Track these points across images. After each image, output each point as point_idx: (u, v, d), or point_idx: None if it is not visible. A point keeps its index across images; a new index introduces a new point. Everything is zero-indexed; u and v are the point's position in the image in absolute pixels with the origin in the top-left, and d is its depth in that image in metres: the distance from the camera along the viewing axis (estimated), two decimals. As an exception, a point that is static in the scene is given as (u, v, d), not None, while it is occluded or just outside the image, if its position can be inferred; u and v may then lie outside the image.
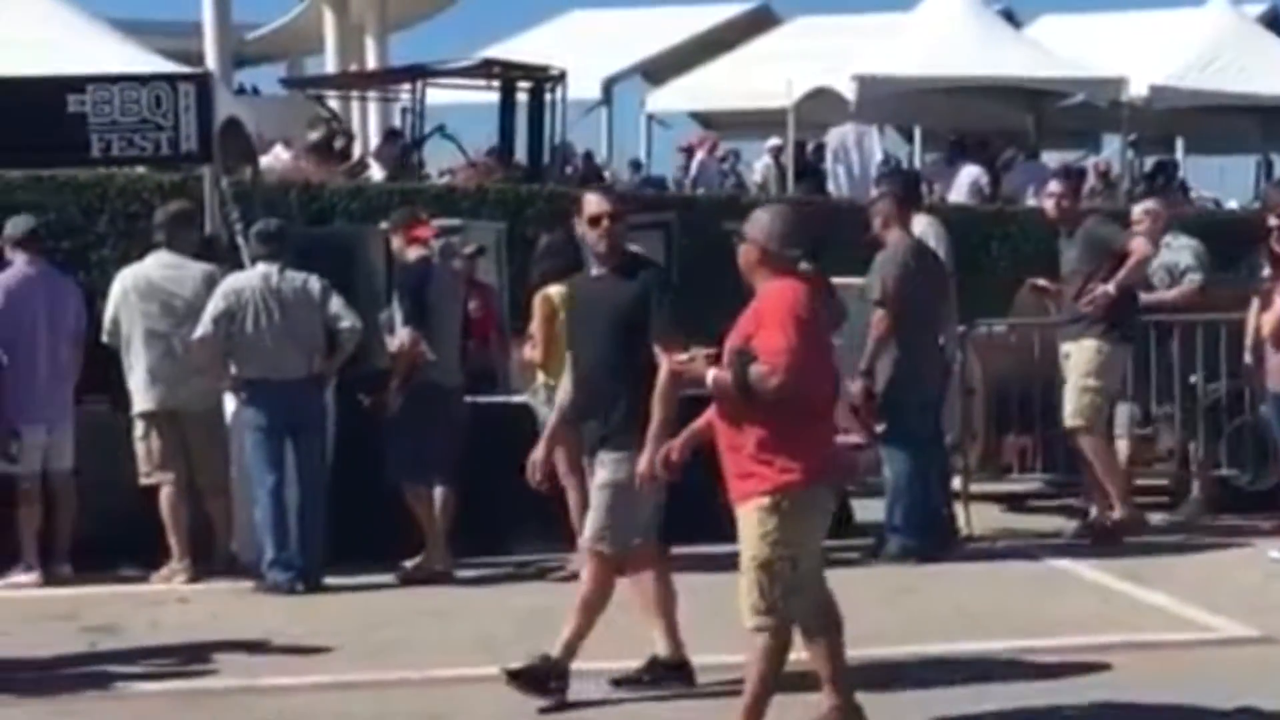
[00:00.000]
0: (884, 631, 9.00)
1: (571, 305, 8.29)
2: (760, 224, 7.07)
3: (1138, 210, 12.68)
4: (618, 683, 7.80)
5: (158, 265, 10.88)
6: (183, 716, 7.87)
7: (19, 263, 10.82)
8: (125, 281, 10.87)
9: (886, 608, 9.65)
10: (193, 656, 8.76)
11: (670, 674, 7.84)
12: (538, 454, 8.05)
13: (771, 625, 6.91)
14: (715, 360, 6.99)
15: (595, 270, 7.96)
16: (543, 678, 7.62)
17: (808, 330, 6.86)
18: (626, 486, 7.60)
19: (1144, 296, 12.16)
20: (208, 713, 7.91)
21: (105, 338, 10.86)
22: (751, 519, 6.87)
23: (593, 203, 7.84)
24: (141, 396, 10.76)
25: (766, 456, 6.86)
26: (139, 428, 10.76)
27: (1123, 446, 11.95)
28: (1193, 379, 12.17)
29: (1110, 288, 11.26)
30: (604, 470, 7.69)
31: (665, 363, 7.41)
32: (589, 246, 7.97)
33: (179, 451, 10.72)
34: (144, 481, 10.72)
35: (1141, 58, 23.34)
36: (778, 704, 7.07)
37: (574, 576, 7.61)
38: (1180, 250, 12.47)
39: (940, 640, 8.84)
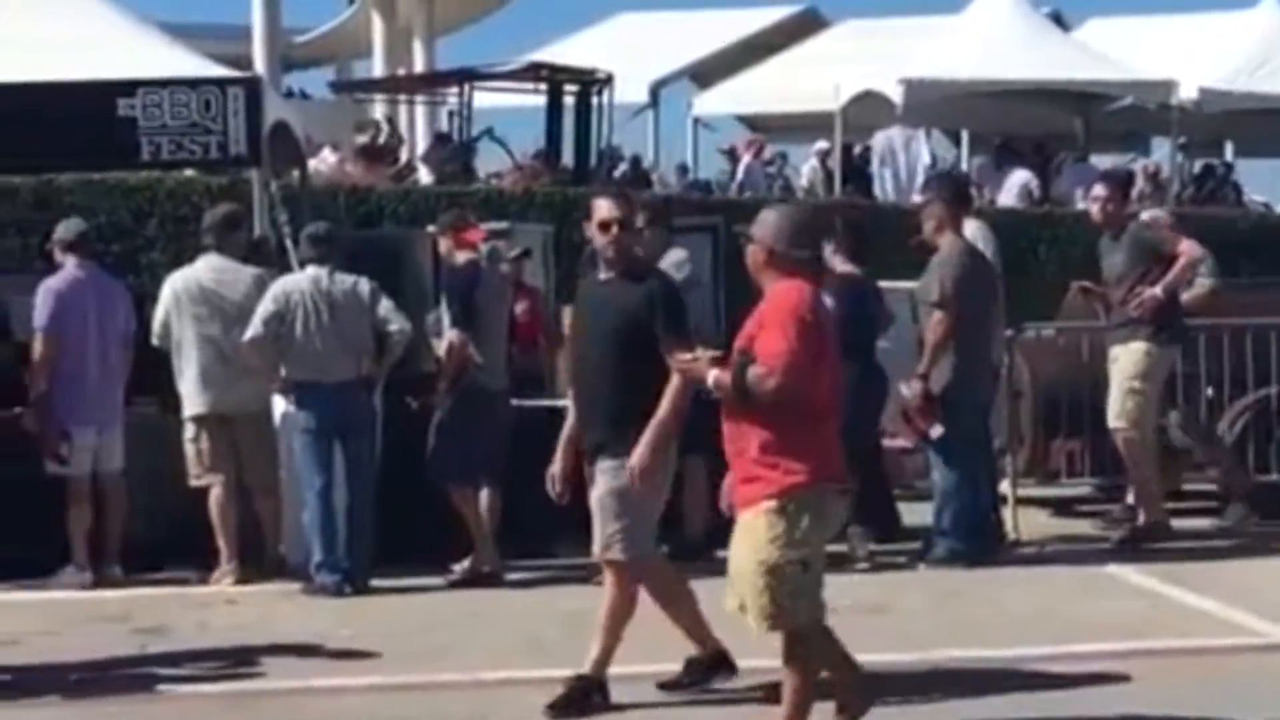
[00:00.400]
0: (931, 635, 9.00)
1: (577, 309, 8.29)
2: (767, 225, 7.04)
3: (1144, 217, 12.70)
4: (664, 686, 7.80)
5: (208, 269, 10.93)
6: (231, 718, 7.90)
7: (69, 266, 10.88)
8: (176, 285, 10.93)
9: (934, 612, 9.65)
10: (241, 658, 8.79)
11: (710, 671, 7.82)
12: (555, 467, 7.99)
13: (790, 627, 6.89)
14: (720, 362, 6.99)
15: (603, 274, 7.95)
16: (582, 698, 7.63)
17: (809, 332, 6.84)
18: (629, 492, 7.59)
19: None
20: (255, 715, 7.95)
21: (155, 341, 10.91)
22: (759, 523, 6.84)
23: (602, 208, 7.81)
24: (192, 400, 10.81)
25: (771, 459, 6.84)
26: (189, 430, 10.82)
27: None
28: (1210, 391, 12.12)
29: (1159, 290, 11.22)
30: (605, 478, 7.65)
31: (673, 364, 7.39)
32: (598, 251, 7.96)
33: (229, 454, 10.77)
34: (194, 483, 10.78)
35: (1191, 60, 23.23)
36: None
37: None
38: None
39: (986, 644, 8.81)
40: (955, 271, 10.88)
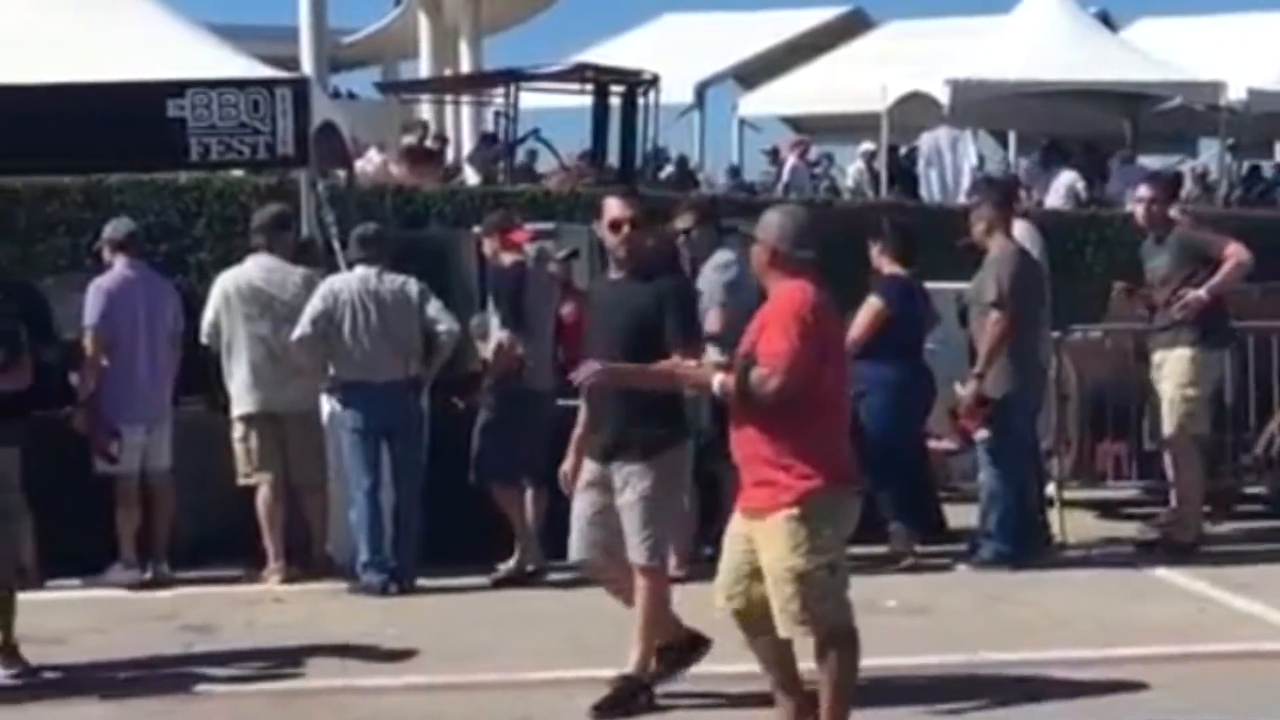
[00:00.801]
0: (978, 637, 8.98)
1: (589, 309, 8.27)
2: (771, 226, 7.04)
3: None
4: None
5: (258, 268, 10.98)
6: (277, 716, 7.93)
7: (118, 265, 10.93)
8: (226, 285, 10.97)
9: (979, 614, 9.63)
10: (287, 657, 8.83)
11: (691, 652, 7.81)
12: (568, 465, 8.00)
13: (823, 631, 6.88)
14: (726, 367, 6.99)
15: (613, 274, 7.94)
16: (628, 699, 7.64)
17: (811, 332, 6.81)
18: (658, 497, 7.59)
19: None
20: (301, 712, 7.97)
21: (205, 340, 10.96)
22: (781, 530, 6.83)
23: (613, 207, 7.81)
24: (242, 399, 10.85)
25: (783, 463, 6.84)
26: (238, 429, 10.86)
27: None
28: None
29: (1203, 293, 11.15)
30: (632, 484, 7.61)
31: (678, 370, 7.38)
32: (609, 250, 7.94)
33: (277, 453, 10.81)
34: (242, 482, 10.82)
35: (1240, 61, 23.13)
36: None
37: (674, 580, 7.62)
38: None
39: (1033, 647, 8.79)
40: (1011, 272, 10.84)
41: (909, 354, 11.11)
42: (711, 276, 10.62)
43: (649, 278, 7.76)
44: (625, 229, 7.73)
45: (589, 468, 7.79)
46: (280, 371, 10.73)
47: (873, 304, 11.06)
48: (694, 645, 7.83)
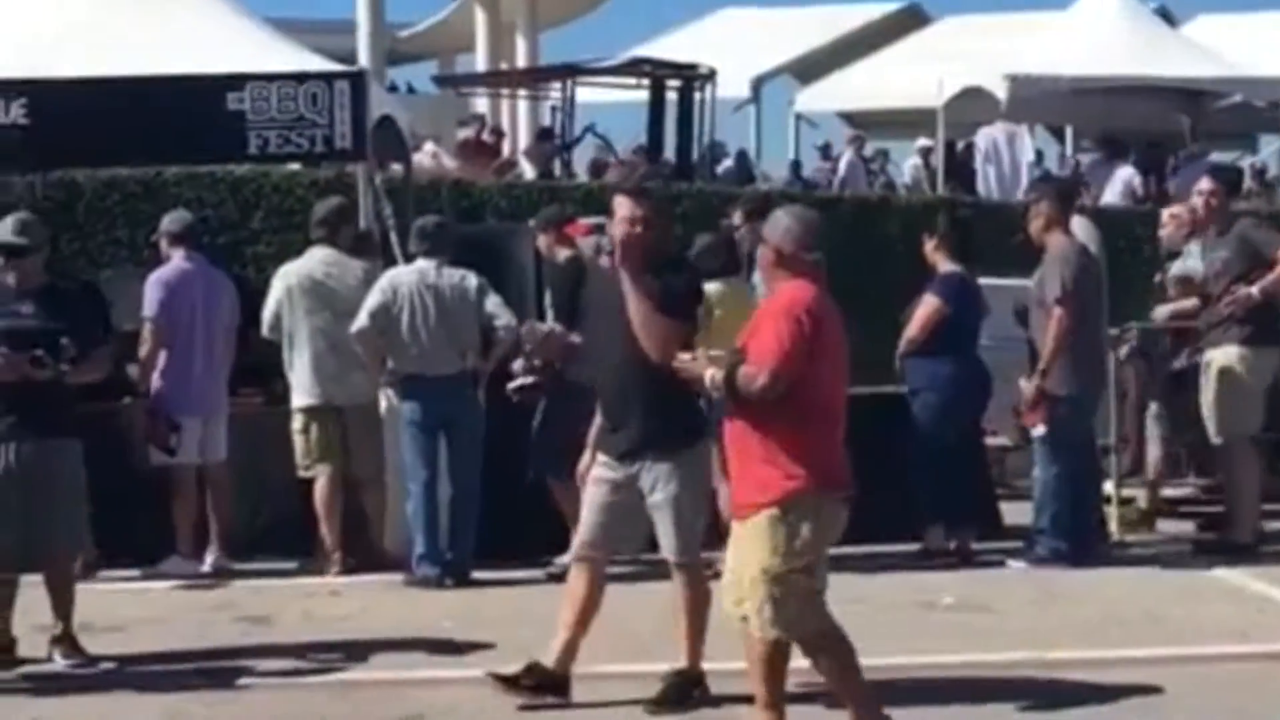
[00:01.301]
0: (1032, 635, 8.95)
1: (591, 302, 8.22)
2: (778, 226, 7.02)
3: (1164, 214, 12.60)
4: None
5: (320, 262, 11.01)
6: (332, 708, 7.95)
7: (176, 258, 10.99)
8: (288, 278, 11.01)
9: (1034, 611, 9.60)
10: (344, 649, 8.85)
11: (692, 688, 7.77)
12: (583, 465, 7.99)
13: (799, 635, 6.87)
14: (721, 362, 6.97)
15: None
16: (682, 693, 7.66)
17: (802, 332, 6.77)
18: (686, 495, 7.58)
19: (1159, 309, 12.06)
20: (358, 704, 7.99)
21: (266, 332, 11.01)
22: (761, 529, 6.81)
23: (623, 206, 7.80)
24: (302, 391, 10.90)
25: (771, 462, 6.81)
26: (298, 421, 10.90)
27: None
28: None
29: (1255, 290, 11.06)
30: (662, 489, 7.60)
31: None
32: (615, 246, 7.89)
33: (336, 445, 10.86)
34: (301, 474, 10.87)
35: (1301, 57, 22.97)
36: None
37: (715, 574, 7.62)
38: (1197, 258, 12.23)
39: (1091, 645, 8.75)
40: (1073, 270, 10.79)
41: (963, 351, 11.08)
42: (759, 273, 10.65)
43: (657, 275, 7.72)
44: (635, 228, 7.70)
45: (605, 463, 7.78)
46: (341, 364, 10.77)
47: (930, 302, 11.03)
48: (563, 684, 7.77)
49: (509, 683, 7.73)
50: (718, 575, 7.35)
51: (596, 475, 7.82)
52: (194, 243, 11.14)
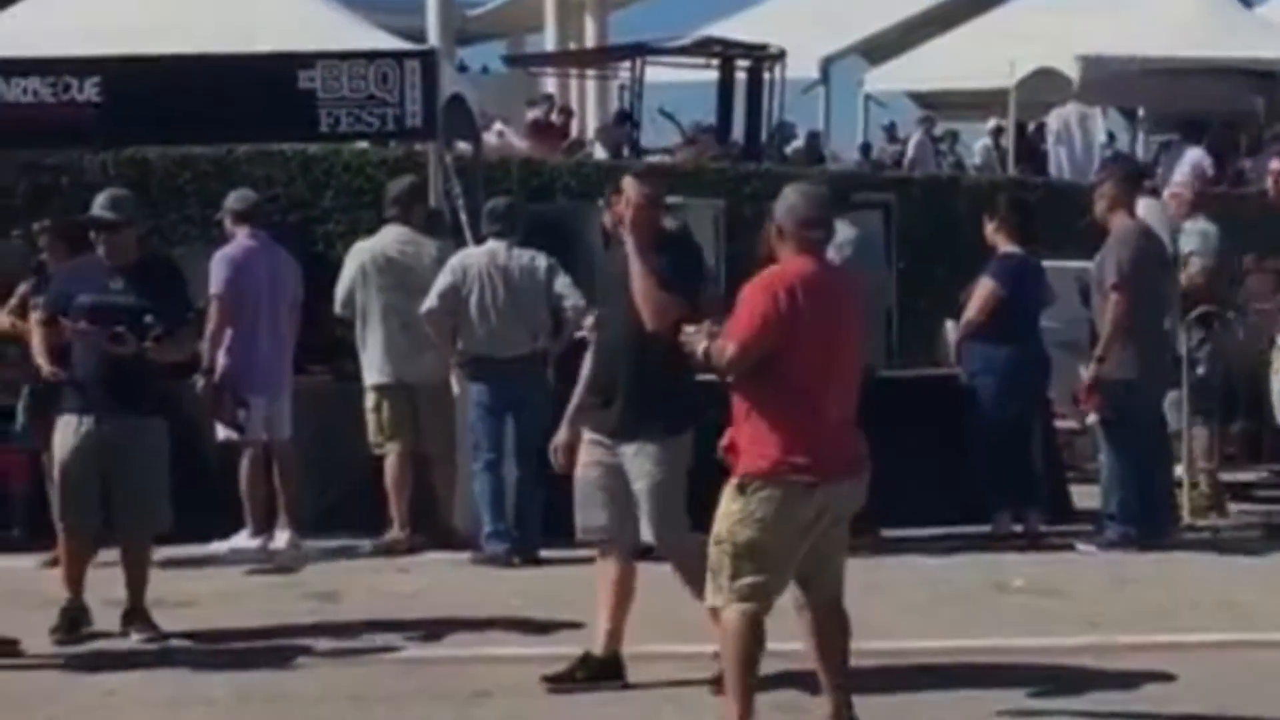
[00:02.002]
0: (1101, 619, 8.91)
1: (602, 286, 8.18)
2: (783, 203, 6.96)
3: (1166, 193, 12.48)
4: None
5: (394, 240, 11.03)
6: (400, 685, 7.98)
7: (241, 236, 11.01)
8: (362, 256, 11.04)
9: (1104, 595, 9.55)
10: (411, 626, 8.89)
11: (604, 673, 7.74)
12: (560, 438, 7.93)
13: (729, 606, 6.74)
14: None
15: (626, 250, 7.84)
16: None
17: (776, 311, 6.68)
18: (670, 479, 7.55)
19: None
20: (424, 681, 8.01)
21: (339, 309, 11.04)
22: (724, 498, 6.80)
23: (631, 187, 7.74)
24: (375, 369, 10.93)
25: (748, 437, 6.77)
26: (371, 399, 10.94)
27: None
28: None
29: None
30: (645, 474, 7.55)
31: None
32: (624, 228, 7.82)
33: (408, 423, 10.88)
34: (375, 452, 10.90)
35: (1378, 38, 22.69)
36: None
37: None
38: (1189, 235, 12.12)
39: (1163, 630, 8.70)
40: (1131, 253, 10.71)
41: (1021, 334, 11.03)
42: (828, 254, 10.64)
43: (662, 251, 7.67)
44: (645, 210, 7.67)
45: (594, 442, 7.70)
46: (413, 342, 10.80)
47: (986, 284, 11.00)
48: (610, 667, 7.76)
49: (564, 680, 7.73)
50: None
51: (588, 459, 7.73)
52: (259, 221, 11.17)
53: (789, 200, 6.97)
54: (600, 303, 8.08)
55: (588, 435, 7.76)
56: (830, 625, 6.93)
